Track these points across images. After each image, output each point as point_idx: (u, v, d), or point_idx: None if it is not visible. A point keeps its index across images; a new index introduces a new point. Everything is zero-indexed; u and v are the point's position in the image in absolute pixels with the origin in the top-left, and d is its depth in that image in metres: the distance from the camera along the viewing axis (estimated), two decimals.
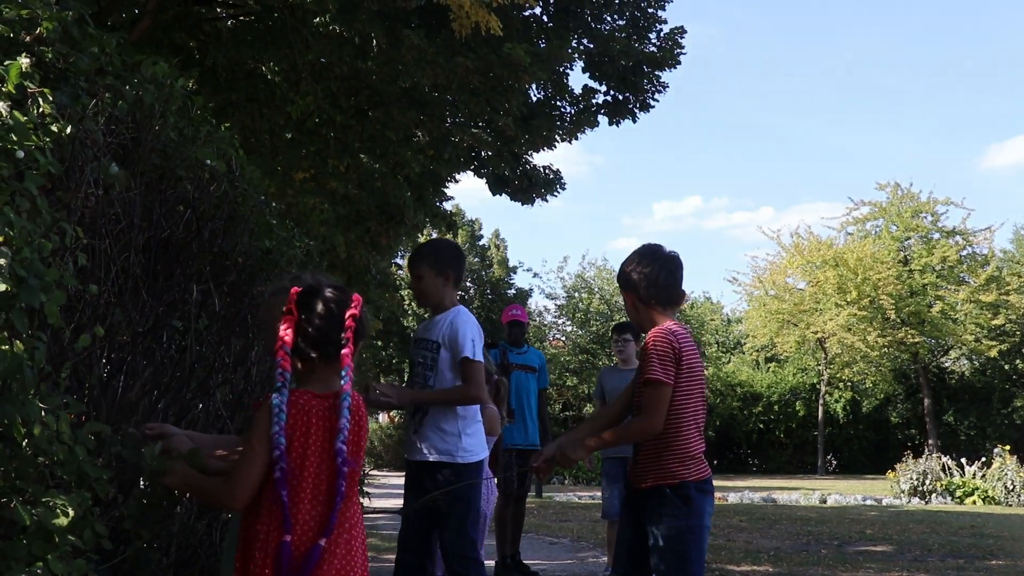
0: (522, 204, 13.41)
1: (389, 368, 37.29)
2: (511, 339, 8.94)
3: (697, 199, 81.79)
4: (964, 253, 37.63)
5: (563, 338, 40.12)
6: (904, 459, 21.92)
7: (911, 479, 21.06)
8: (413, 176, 12.97)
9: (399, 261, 22.05)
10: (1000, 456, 20.94)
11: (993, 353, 35.43)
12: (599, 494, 8.59)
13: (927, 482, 20.91)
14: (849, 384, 39.02)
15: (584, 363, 37.78)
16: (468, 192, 72.51)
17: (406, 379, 8.98)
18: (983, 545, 11.43)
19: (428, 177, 13.23)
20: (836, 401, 39.37)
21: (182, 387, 4.25)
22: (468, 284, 38.65)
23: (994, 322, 35.92)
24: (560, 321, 40.34)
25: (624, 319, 7.99)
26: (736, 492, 21.44)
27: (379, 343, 35.16)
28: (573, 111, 12.68)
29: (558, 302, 40.02)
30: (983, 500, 20.21)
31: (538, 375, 8.94)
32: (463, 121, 12.25)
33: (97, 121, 3.20)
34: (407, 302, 35.35)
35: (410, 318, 36.19)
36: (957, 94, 70.76)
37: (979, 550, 10.97)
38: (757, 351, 41.15)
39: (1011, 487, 20.20)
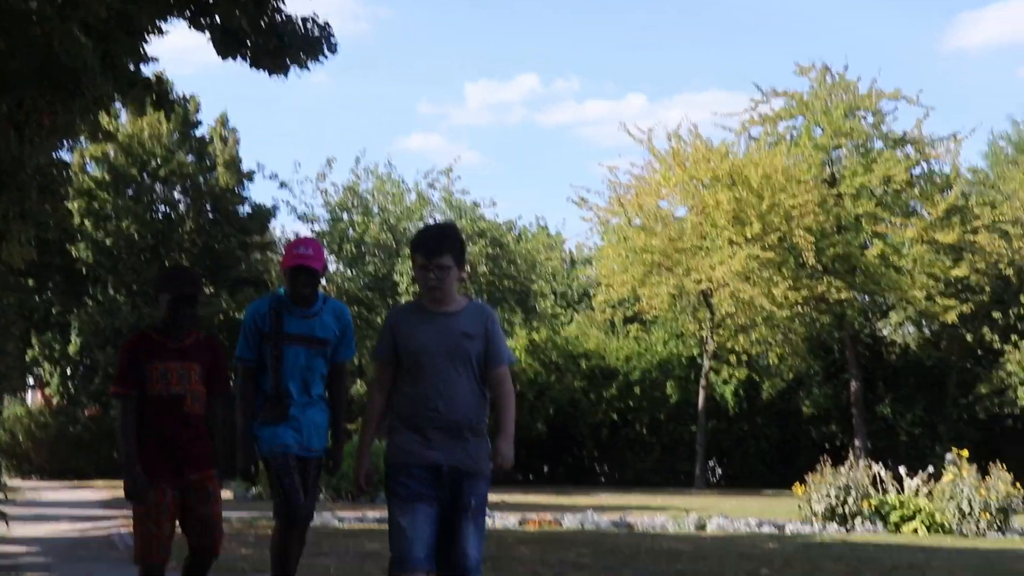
0: (269, 73, 13.30)
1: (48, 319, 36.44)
2: (295, 294, 8.67)
3: (532, 79, 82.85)
4: (917, 171, 38.92)
5: (323, 283, 39.93)
6: (819, 467, 22.47)
7: (828, 496, 21.59)
8: (96, 22, 12.70)
9: (67, 155, 21.51)
10: (954, 465, 21.42)
11: (951, 317, 36.83)
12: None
13: (850, 501, 21.49)
14: (745, 358, 39.74)
15: (355, 320, 37.68)
16: (181, 54, 70.94)
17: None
18: None
19: (118, 24, 12.97)
20: (725, 383, 40.50)
21: None
22: (176, 195, 37.93)
23: (954, 272, 37.26)
24: None
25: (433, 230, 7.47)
26: (575, 512, 21.78)
27: (31, 282, 34.35)
28: None
29: (316, 227, 39.81)
30: (928, 527, 20.82)
31: (336, 345, 8.85)
32: None
33: None
34: (77, 217, 34.54)
35: (81, 246, 35.42)
36: None
37: None
38: (613, 307, 41.46)
39: (967, 509, 20.68)
